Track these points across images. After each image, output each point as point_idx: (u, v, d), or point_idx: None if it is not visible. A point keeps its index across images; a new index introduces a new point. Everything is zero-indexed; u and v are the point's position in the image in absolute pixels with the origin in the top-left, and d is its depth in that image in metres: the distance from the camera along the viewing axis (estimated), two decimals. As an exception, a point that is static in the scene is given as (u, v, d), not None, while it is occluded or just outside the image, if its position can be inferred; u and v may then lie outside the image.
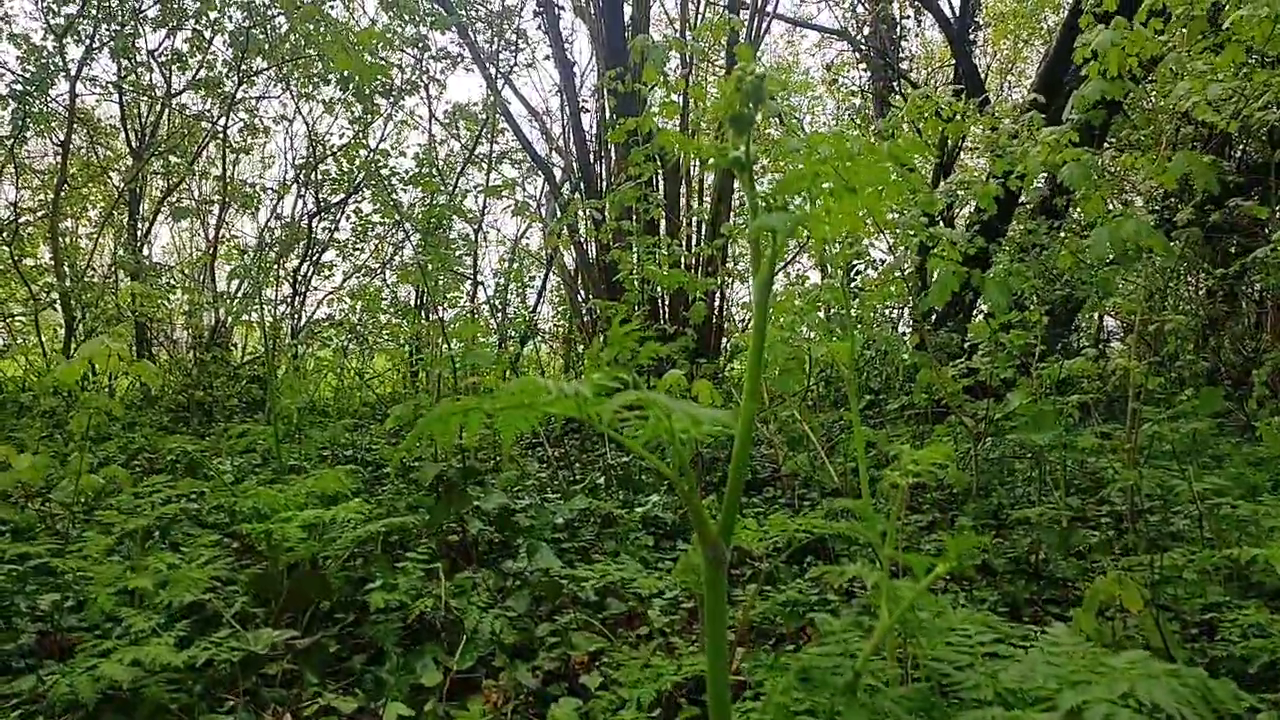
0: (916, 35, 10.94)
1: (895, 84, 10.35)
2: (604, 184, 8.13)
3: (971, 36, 9.54)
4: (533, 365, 10.28)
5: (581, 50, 9.66)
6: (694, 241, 7.30)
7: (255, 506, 2.53)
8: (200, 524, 2.97)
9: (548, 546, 2.43)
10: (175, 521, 2.71)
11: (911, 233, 3.44)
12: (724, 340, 7.18)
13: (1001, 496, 3.78)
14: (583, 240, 6.84)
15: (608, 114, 7.79)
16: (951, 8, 8.98)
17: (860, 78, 12.26)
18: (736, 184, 7.66)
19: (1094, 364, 3.64)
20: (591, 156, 7.96)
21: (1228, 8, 3.77)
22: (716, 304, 7.02)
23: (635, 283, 5.44)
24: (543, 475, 5.23)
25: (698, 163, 7.88)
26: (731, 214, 6.88)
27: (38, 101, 6.98)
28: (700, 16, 9.68)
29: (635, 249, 5.22)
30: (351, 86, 6.97)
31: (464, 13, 8.88)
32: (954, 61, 9.25)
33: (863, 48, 10.56)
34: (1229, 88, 2.94)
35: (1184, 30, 3.90)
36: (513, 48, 9.69)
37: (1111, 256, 2.85)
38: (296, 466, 3.66)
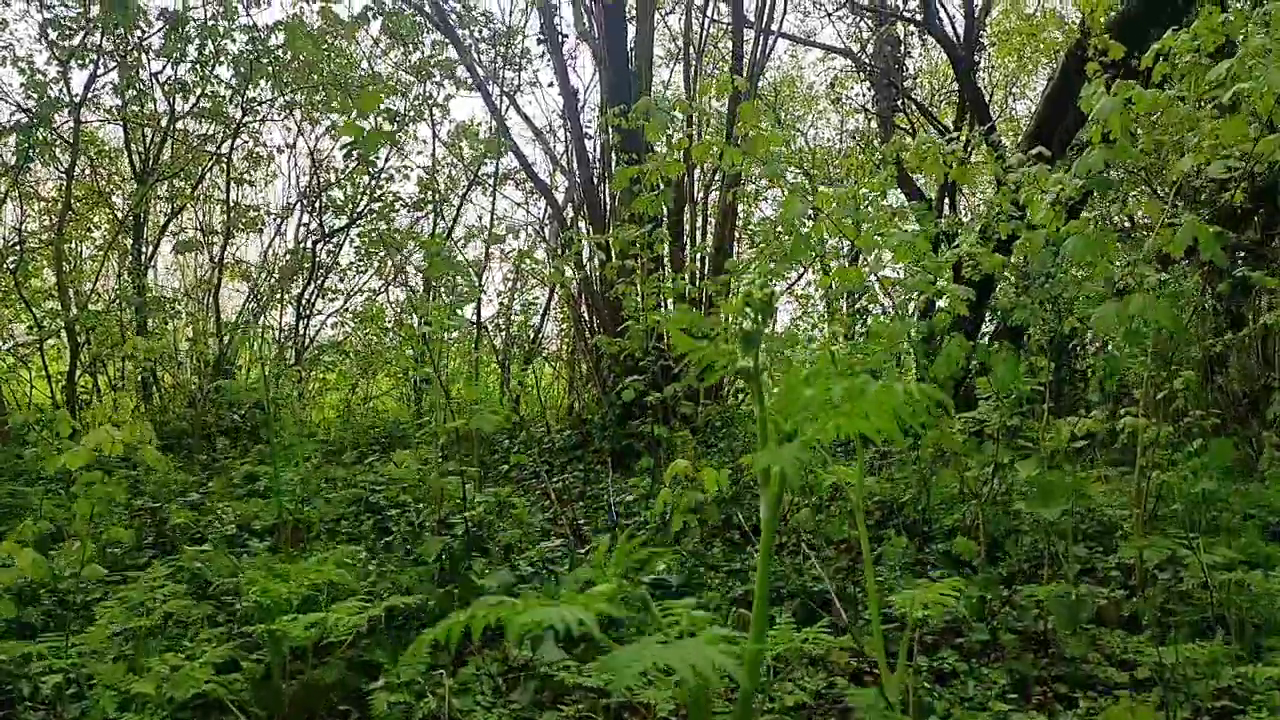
0: (921, 55, 10.92)
1: (900, 103, 10.32)
2: (607, 207, 8.11)
3: (976, 58, 9.51)
4: (534, 388, 10.28)
5: (584, 65, 9.64)
6: (699, 272, 7.30)
7: (257, 599, 2.52)
8: (200, 599, 2.96)
9: (551, 637, 2.41)
10: (176, 618, 2.69)
11: (916, 294, 3.42)
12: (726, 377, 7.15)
13: (1011, 559, 3.75)
14: (586, 266, 6.82)
15: (610, 138, 7.79)
16: (956, 33, 8.96)
17: (864, 93, 12.24)
18: (740, 209, 7.62)
19: (1103, 422, 3.62)
20: (595, 179, 7.95)
21: (1234, 67, 3.74)
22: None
23: (639, 318, 5.43)
24: (547, 523, 5.22)
25: (702, 191, 7.88)
26: (735, 245, 6.88)
27: (42, 133, 6.98)
28: (704, 34, 9.67)
29: (640, 290, 5.21)
30: (355, 153, 6.96)
31: (467, 32, 8.88)
32: (957, 86, 9.25)
33: (867, 65, 10.53)
34: (1232, 167, 2.91)
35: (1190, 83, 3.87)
36: (516, 67, 9.69)
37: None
38: (302, 524, 3.64)
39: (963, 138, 9.97)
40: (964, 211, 11.03)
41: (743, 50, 8.45)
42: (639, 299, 5.43)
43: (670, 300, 6.25)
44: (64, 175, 8.11)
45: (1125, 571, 3.97)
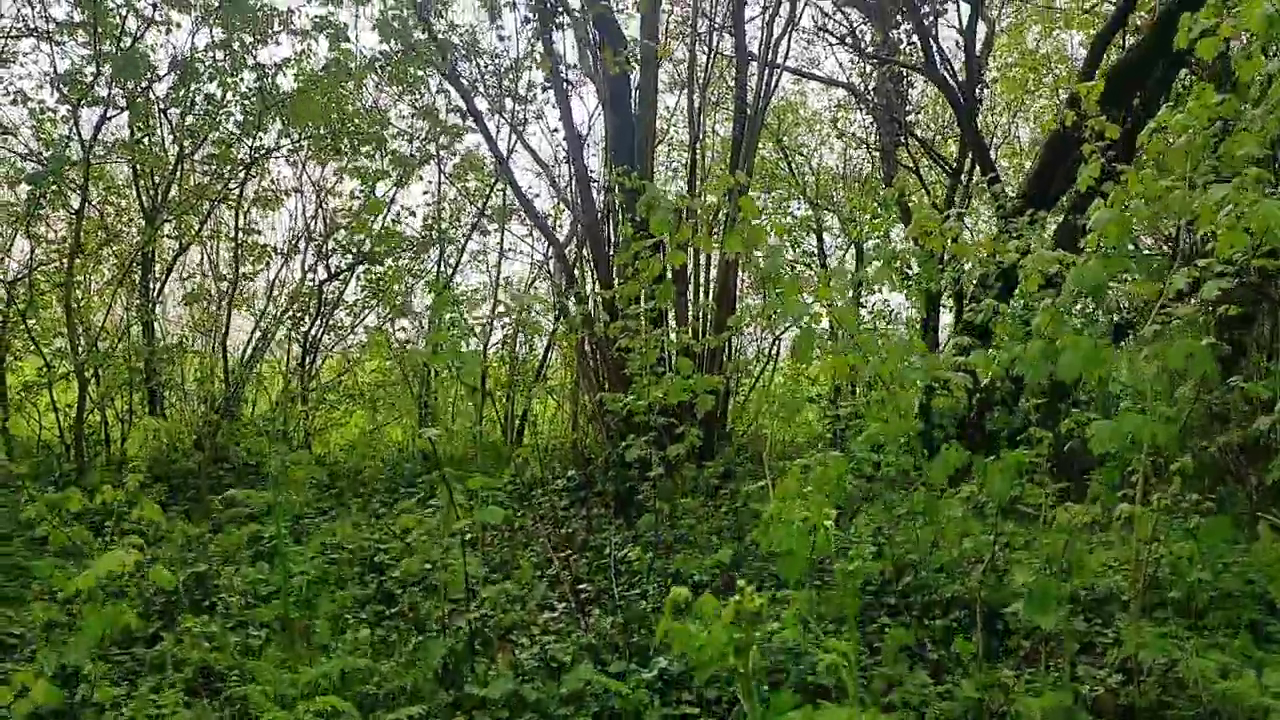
0: (924, 89, 10.95)
1: (902, 138, 10.37)
2: (611, 246, 8.15)
3: (978, 95, 9.56)
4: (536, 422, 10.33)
5: (589, 93, 9.65)
6: (702, 326, 7.35)
7: (265, 693, 2.57)
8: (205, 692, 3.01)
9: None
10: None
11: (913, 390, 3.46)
12: (728, 426, 7.23)
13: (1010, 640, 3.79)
14: (589, 303, 6.87)
15: (613, 181, 7.85)
16: (955, 74, 8.99)
17: (865, 124, 12.28)
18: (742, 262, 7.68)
19: (1099, 509, 3.66)
20: (599, 220, 8.00)
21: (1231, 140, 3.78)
22: (723, 393, 7.06)
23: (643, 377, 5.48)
24: (549, 579, 5.25)
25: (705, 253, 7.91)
26: (736, 301, 6.92)
27: (53, 181, 7.07)
28: (708, 70, 9.70)
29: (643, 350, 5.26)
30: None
31: (470, 64, 8.94)
32: (960, 133, 9.28)
33: (869, 101, 10.58)
34: (1224, 287, 2.94)
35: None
36: (521, 101, 9.75)
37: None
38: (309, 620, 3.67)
39: (957, 201, 10.04)
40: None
41: (747, 82, 8.48)
42: (642, 356, 5.49)
43: (673, 353, 6.30)
44: (73, 215, 8.21)
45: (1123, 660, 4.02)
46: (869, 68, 10.39)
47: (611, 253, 7.63)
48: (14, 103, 8.57)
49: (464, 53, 8.77)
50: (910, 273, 7.85)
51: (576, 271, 8.55)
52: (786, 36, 8.54)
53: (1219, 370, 3.38)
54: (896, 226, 9.28)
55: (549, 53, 7.26)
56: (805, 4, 9.40)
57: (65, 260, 8.23)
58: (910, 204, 9.53)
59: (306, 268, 9.30)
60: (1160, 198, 3.56)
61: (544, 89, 8.12)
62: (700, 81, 9.13)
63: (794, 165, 13.31)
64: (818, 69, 12.91)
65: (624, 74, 5.69)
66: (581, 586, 5.02)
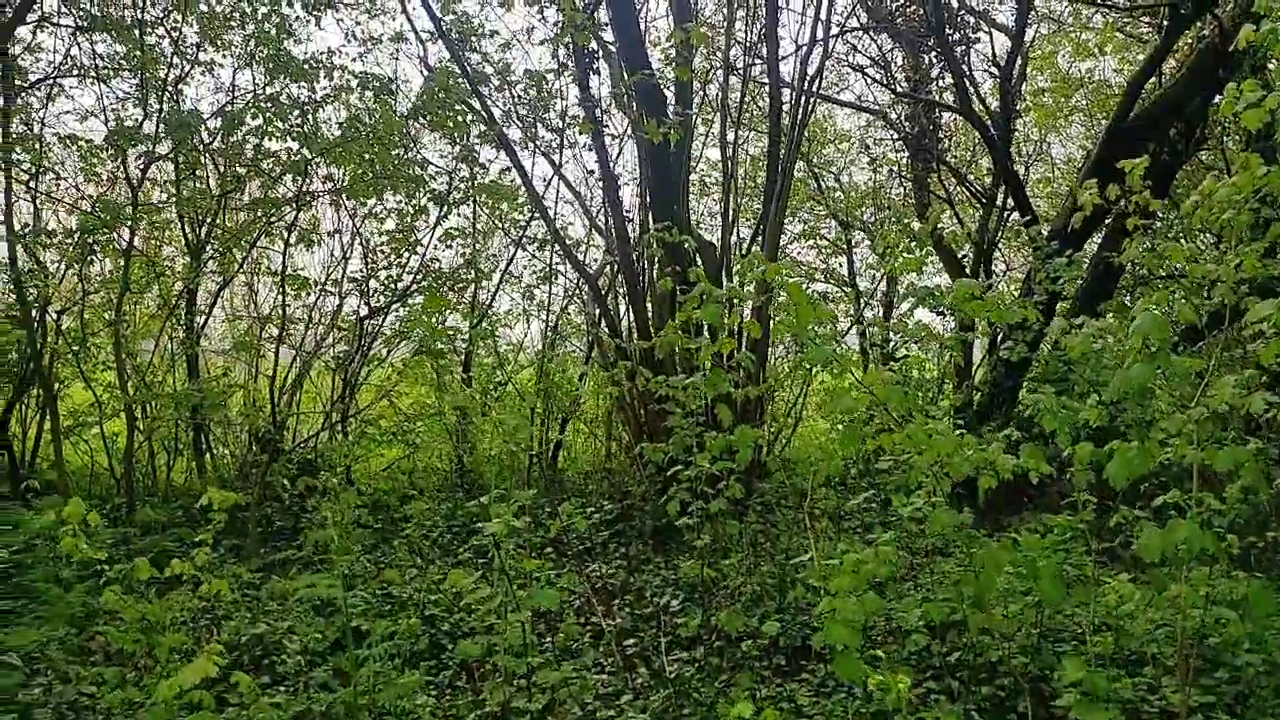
0: (955, 118, 10.92)
1: (934, 166, 10.38)
2: (646, 284, 8.24)
3: (1011, 127, 9.55)
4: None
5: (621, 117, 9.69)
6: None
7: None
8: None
9: None
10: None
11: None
12: (765, 480, 7.31)
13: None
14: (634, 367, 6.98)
15: (651, 222, 7.94)
16: (982, 99, 8.98)
17: (894, 146, 12.27)
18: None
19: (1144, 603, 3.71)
20: (634, 259, 8.10)
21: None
22: (759, 444, 7.13)
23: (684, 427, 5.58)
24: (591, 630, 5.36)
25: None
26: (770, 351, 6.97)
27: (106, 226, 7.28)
28: (742, 101, 9.75)
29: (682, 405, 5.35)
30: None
31: (505, 96, 9.07)
32: (993, 168, 9.26)
33: (901, 129, 10.60)
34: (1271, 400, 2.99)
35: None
36: (555, 130, 9.87)
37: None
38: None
39: (990, 228, 10.00)
40: (998, 276, 11.11)
41: (781, 112, 8.52)
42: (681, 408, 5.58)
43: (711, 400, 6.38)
44: (122, 253, 8.43)
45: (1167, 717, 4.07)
46: (899, 95, 10.38)
47: (645, 290, 7.72)
48: (64, 144, 8.84)
49: (496, 84, 8.91)
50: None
51: (612, 309, 8.65)
52: (820, 73, 8.59)
53: (1265, 478, 3.43)
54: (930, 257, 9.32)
55: (585, 96, 7.37)
56: (837, 38, 9.44)
57: (115, 296, 8.47)
58: (943, 234, 9.54)
59: (342, 298, 9.50)
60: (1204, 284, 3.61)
61: (575, 120, 8.21)
62: (733, 118, 9.18)
63: (823, 183, 13.33)
64: (847, 90, 12.95)
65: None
66: (627, 643, 5.12)
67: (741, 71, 9.18)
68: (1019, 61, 9.22)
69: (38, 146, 8.79)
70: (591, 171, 8.96)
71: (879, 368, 7.65)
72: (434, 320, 9.11)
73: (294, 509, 7.70)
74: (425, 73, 8.17)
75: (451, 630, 5.25)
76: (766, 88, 10.42)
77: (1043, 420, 3.32)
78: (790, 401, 9.25)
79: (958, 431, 3.75)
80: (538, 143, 9.17)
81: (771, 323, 6.74)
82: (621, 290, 8.59)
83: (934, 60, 9.98)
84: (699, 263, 7.66)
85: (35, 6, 8.32)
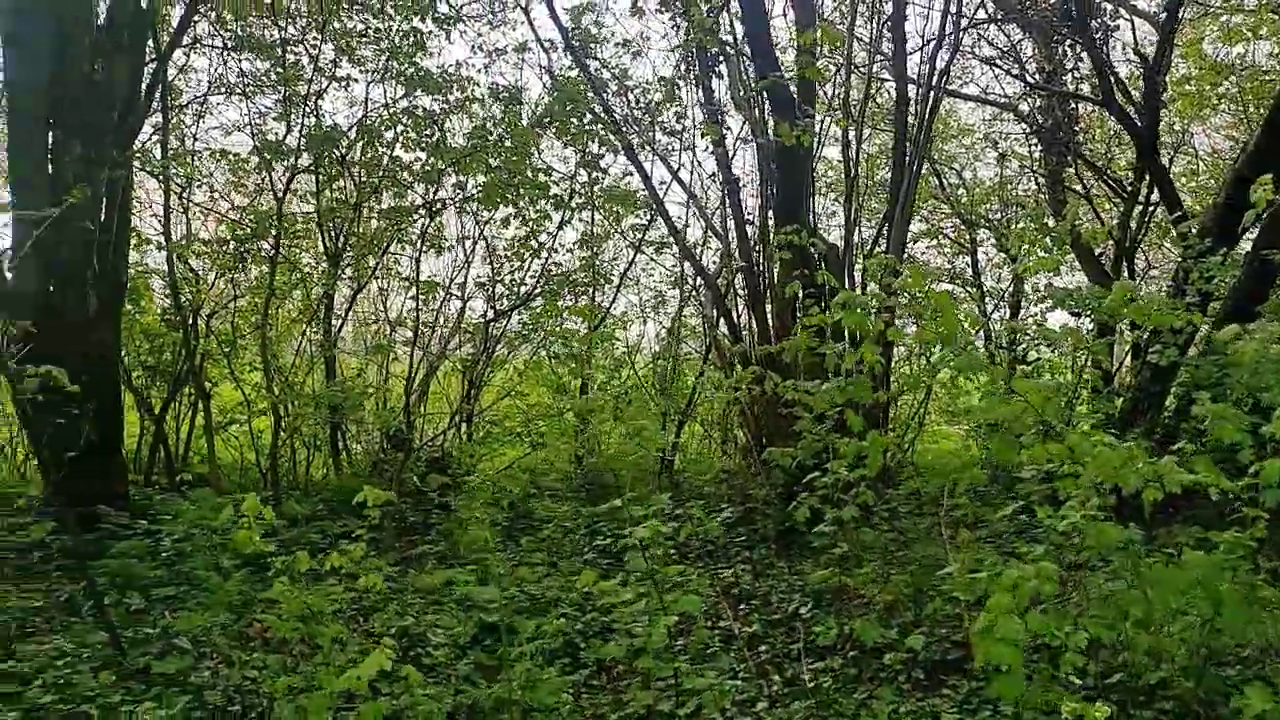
0: (1092, 109, 10.41)
1: (1070, 160, 9.93)
2: (766, 286, 8.19)
3: (1158, 120, 9.04)
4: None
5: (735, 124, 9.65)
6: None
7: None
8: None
9: None
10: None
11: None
12: (894, 487, 7.14)
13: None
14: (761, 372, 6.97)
15: (771, 224, 7.89)
16: (1125, 92, 8.52)
17: (1024, 136, 11.79)
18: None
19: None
20: (755, 264, 8.06)
21: None
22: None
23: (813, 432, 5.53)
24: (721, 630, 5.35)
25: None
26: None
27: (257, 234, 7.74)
28: (866, 99, 9.57)
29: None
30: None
31: (622, 101, 9.17)
32: (1140, 164, 8.77)
33: (1035, 122, 10.18)
34: None
35: None
36: (672, 133, 9.92)
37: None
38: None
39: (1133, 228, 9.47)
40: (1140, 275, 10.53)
41: (906, 108, 8.30)
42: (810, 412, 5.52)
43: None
44: (269, 260, 8.95)
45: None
46: (1033, 88, 9.97)
47: (767, 302, 7.67)
48: (214, 158, 9.45)
49: (614, 90, 9.03)
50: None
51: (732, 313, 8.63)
52: (949, 68, 8.35)
53: None
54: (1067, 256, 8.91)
55: (708, 99, 7.38)
56: (966, 30, 9.16)
57: (261, 301, 9.01)
58: (1080, 232, 9.10)
59: (465, 302, 9.81)
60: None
61: (690, 124, 8.23)
62: (854, 116, 9.01)
63: (945, 180, 12.93)
64: (971, 83, 12.52)
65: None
66: (760, 650, 5.10)
67: (863, 69, 9.03)
68: (1167, 49, 8.71)
69: (191, 161, 9.42)
70: (712, 174, 8.97)
71: (1009, 372, 7.43)
72: (558, 324, 9.36)
73: (427, 505, 7.99)
74: (548, 81, 8.36)
75: (584, 630, 5.34)
76: (887, 83, 10.21)
77: (1221, 432, 3.13)
78: (913, 406, 9.02)
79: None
80: (654, 146, 9.25)
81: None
82: (742, 293, 8.56)
83: (1068, 50, 9.56)
84: (823, 266, 7.58)
85: (189, 30, 8.91)
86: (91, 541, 6.51)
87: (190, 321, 8.84)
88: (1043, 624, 2.83)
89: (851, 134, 8.69)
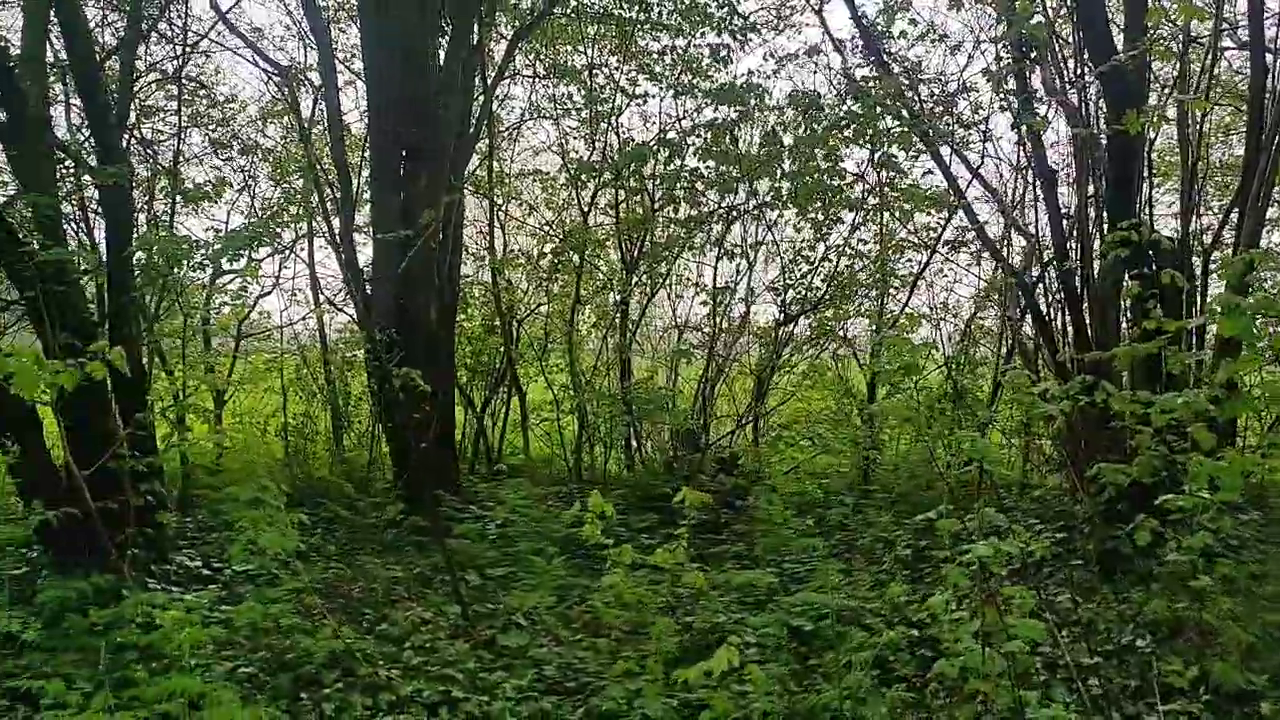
0: None
1: None
2: (1084, 285, 7.53)
3: None
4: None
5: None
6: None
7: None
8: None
9: None
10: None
11: None
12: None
13: None
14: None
15: (1091, 220, 7.24)
16: None
17: None
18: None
19: None
20: (1075, 268, 7.43)
21: None
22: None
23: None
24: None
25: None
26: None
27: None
28: (1211, 75, 8.48)
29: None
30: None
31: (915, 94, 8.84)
32: None
33: None
34: None
35: None
36: (967, 125, 9.42)
37: None
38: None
39: None
40: None
41: (1265, 77, 7.23)
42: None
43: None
44: (575, 270, 9.68)
45: None
46: None
47: (1084, 302, 7.04)
48: (531, 178, 10.38)
49: (907, 83, 8.71)
50: None
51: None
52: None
53: None
54: None
55: (1021, 90, 6.93)
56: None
57: (568, 308, 9.77)
58: None
59: (749, 306, 9.96)
60: None
61: (1013, 128, 7.75)
62: (1199, 93, 8.03)
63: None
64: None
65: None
66: (1090, 683, 4.73)
67: (1202, 39, 8.01)
68: None
69: (507, 181, 10.40)
70: (1015, 168, 8.42)
71: None
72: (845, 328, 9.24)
73: (720, 505, 8.21)
74: (840, 82, 8.27)
75: (891, 644, 5.23)
76: (1228, 51, 9.03)
77: None
78: (1268, 421, 7.87)
79: None
80: (952, 141, 8.83)
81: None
82: (1054, 293, 7.95)
83: None
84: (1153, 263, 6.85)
85: (510, 64, 9.83)
86: (431, 525, 7.36)
87: (507, 327, 9.76)
88: None
89: (1191, 113, 7.75)
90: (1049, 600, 6.42)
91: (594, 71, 9.73)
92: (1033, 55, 6.83)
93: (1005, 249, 10.00)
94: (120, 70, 6.77)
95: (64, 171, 7.34)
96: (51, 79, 6.84)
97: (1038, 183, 7.59)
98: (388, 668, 4.64)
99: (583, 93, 9.85)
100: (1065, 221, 7.38)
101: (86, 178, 8.00)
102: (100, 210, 7.38)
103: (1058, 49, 7.40)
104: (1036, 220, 8.31)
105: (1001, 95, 7.36)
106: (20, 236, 5.77)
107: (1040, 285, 8.59)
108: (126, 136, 7.42)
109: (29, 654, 4.58)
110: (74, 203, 7.88)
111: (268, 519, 4.29)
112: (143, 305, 6.74)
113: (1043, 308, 8.49)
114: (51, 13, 6.05)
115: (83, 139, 8.58)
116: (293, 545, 4.31)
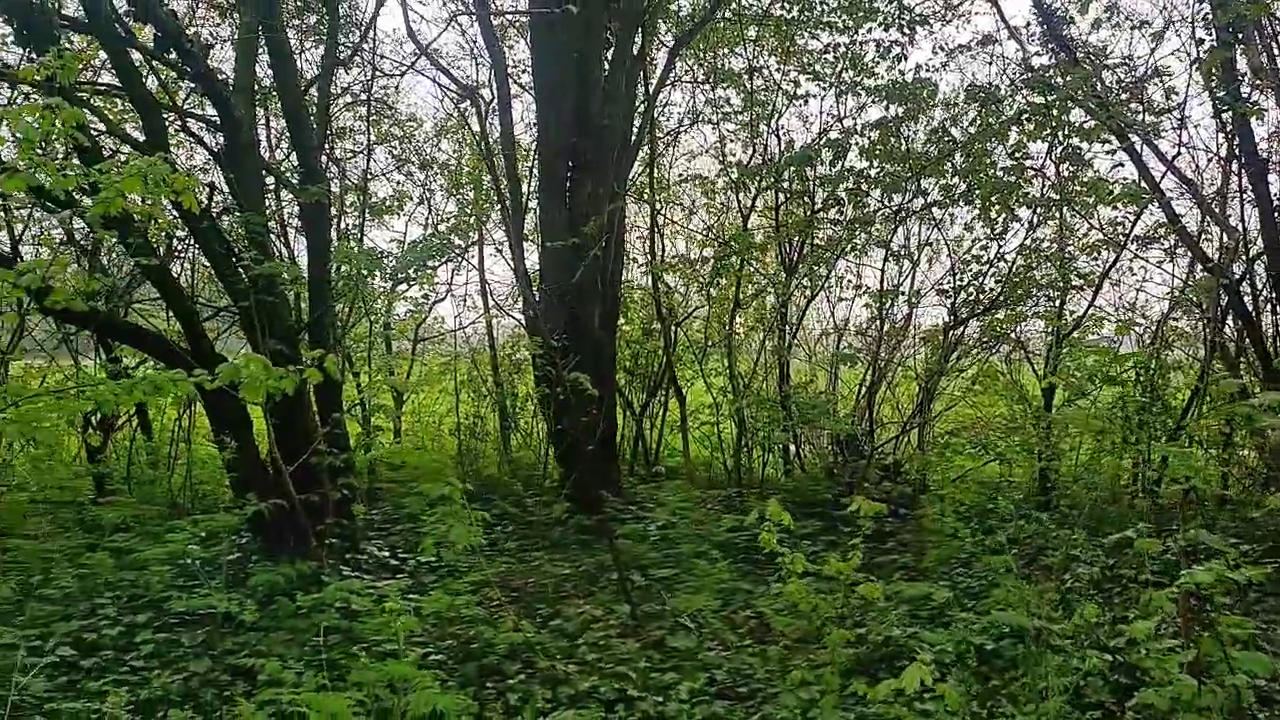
0: None
1: None
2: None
3: None
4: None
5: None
6: None
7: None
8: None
9: None
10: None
11: None
12: None
13: None
14: None
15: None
16: None
17: None
18: None
19: None
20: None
21: None
22: None
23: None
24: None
25: None
26: None
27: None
28: None
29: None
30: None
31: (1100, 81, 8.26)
32: None
33: None
34: None
35: None
36: (1158, 112, 8.72)
37: None
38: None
39: None
40: None
41: None
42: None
43: None
44: (736, 274, 9.65)
45: None
46: None
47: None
48: (691, 182, 10.46)
49: (1092, 70, 8.16)
50: None
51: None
52: None
53: None
54: None
55: (1228, 73, 6.37)
56: None
57: (727, 312, 9.76)
58: None
59: (912, 308, 9.58)
60: None
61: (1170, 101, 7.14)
62: None
63: None
64: None
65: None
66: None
67: None
68: None
69: (668, 187, 10.51)
70: (1218, 156, 7.72)
71: None
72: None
73: (885, 513, 7.97)
74: (1020, 72, 7.85)
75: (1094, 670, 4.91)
76: None
77: None
78: None
79: None
80: (1141, 130, 8.21)
81: None
82: (1267, 292, 7.26)
83: None
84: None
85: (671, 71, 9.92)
86: (597, 524, 7.53)
87: (667, 330, 9.85)
88: None
89: None
90: (1263, 629, 5.88)
91: (753, 74, 9.68)
92: (1240, 35, 6.27)
93: (1202, 244, 9.21)
94: (319, 96, 7.31)
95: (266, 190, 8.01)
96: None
97: (1244, 173, 6.95)
98: (564, 662, 4.79)
99: (741, 96, 9.82)
100: (1277, 214, 6.74)
101: (286, 195, 8.75)
102: (299, 226, 8.04)
103: (1267, 25, 6.77)
104: (1242, 213, 7.59)
105: (1210, 81, 6.78)
106: (236, 251, 6.38)
107: (1244, 283, 7.87)
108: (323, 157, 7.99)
109: (244, 633, 5.05)
110: (276, 219, 8.57)
111: (455, 514, 4.53)
112: (337, 313, 7.26)
113: (1249, 307, 7.78)
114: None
115: (281, 159, 9.40)
116: (477, 540, 4.53)
